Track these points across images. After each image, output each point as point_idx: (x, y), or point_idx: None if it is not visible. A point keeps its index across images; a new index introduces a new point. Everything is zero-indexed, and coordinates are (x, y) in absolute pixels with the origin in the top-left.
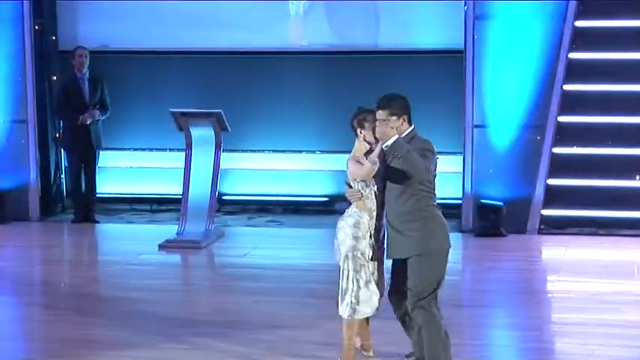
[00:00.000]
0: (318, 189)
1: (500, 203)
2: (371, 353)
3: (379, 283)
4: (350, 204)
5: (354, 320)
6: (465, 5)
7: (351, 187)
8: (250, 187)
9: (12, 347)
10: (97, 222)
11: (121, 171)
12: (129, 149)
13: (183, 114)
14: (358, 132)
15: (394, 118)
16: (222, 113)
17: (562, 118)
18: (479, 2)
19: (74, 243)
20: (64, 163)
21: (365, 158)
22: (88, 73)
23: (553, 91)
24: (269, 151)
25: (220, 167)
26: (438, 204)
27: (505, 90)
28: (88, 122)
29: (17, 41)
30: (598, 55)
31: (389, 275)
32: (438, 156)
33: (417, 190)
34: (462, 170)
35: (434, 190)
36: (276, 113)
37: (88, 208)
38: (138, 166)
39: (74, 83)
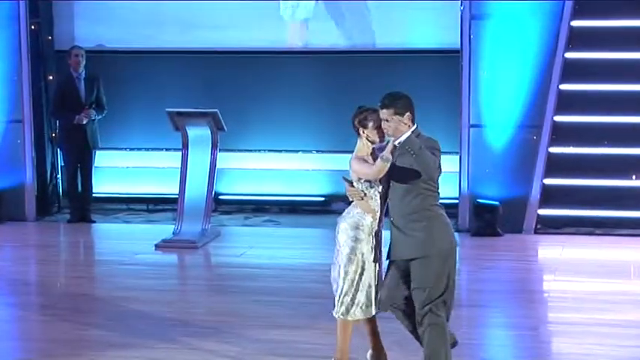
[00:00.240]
0: (315, 189)
1: (497, 203)
2: None
3: (378, 286)
4: (349, 203)
5: (349, 322)
6: (461, 5)
7: (351, 184)
8: (247, 186)
9: (8, 347)
10: (94, 222)
11: (117, 171)
12: (125, 149)
13: (179, 114)
14: (360, 132)
15: (398, 117)
16: (219, 113)
17: (558, 118)
18: (475, 2)
19: (70, 243)
20: (60, 162)
21: (370, 157)
22: (84, 72)
23: (549, 91)
24: (265, 150)
25: (217, 167)
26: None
27: (501, 89)
28: (84, 122)
29: (13, 41)
30: (594, 55)
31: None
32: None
33: (423, 190)
34: (458, 170)
35: (438, 189)
36: (273, 113)
37: (84, 207)
38: (134, 165)
39: (70, 83)
